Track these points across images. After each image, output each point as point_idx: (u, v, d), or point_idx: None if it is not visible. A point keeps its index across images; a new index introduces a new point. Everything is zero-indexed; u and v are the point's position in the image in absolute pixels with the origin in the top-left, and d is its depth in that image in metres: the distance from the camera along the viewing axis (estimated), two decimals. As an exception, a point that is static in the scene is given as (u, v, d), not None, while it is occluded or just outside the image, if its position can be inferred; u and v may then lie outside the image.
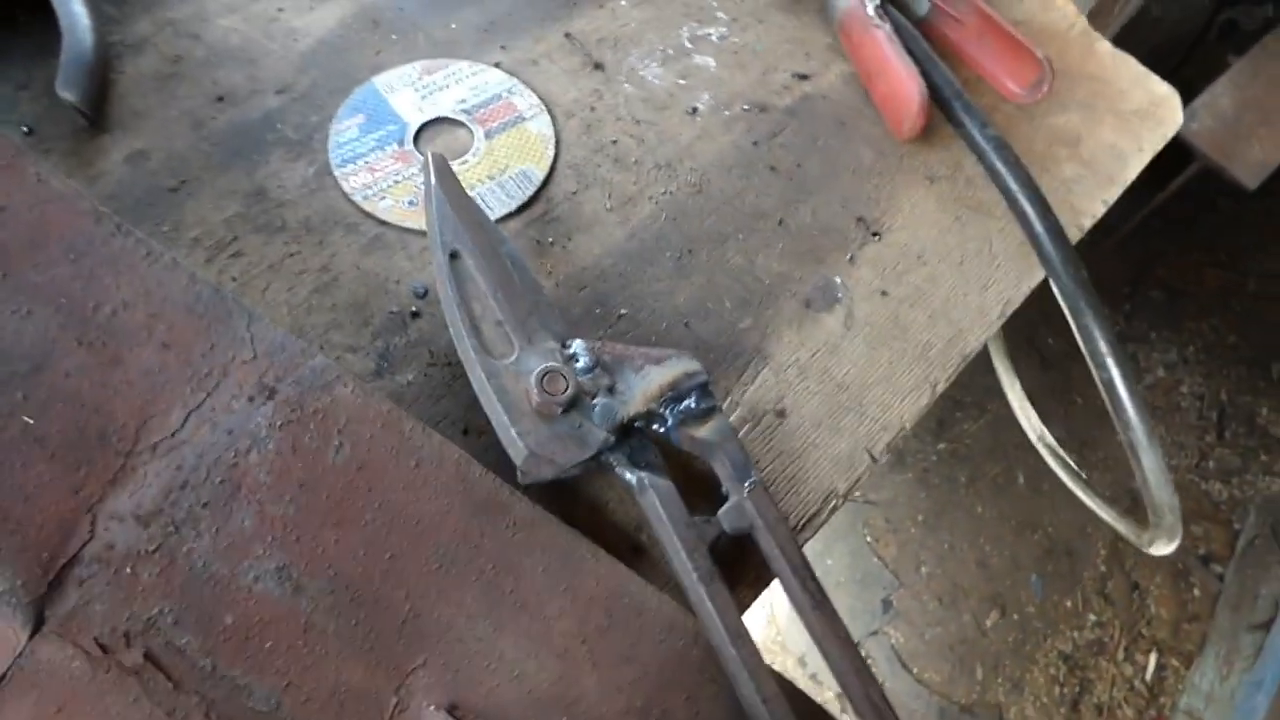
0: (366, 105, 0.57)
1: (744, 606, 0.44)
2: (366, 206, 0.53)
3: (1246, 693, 1.70)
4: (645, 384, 0.45)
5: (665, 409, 0.45)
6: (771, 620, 1.75)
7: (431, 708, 0.39)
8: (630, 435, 0.45)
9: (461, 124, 0.57)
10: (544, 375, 0.43)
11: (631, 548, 0.46)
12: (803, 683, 1.68)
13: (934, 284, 0.57)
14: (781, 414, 0.51)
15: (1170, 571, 1.85)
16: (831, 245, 0.57)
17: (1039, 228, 0.57)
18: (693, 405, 0.45)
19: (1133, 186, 0.65)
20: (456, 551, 0.41)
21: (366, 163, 0.55)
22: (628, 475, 0.44)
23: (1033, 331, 2.01)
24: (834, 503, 0.49)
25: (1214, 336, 2.09)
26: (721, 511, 0.44)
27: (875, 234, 0.58)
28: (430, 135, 0.57)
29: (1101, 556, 1.85)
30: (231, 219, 0.52)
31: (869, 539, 1.83)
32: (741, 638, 0.41)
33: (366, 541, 0.40)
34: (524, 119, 0.58)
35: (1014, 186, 0.57)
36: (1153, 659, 1.78)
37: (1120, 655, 1.78)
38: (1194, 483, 1.94)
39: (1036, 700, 1.73)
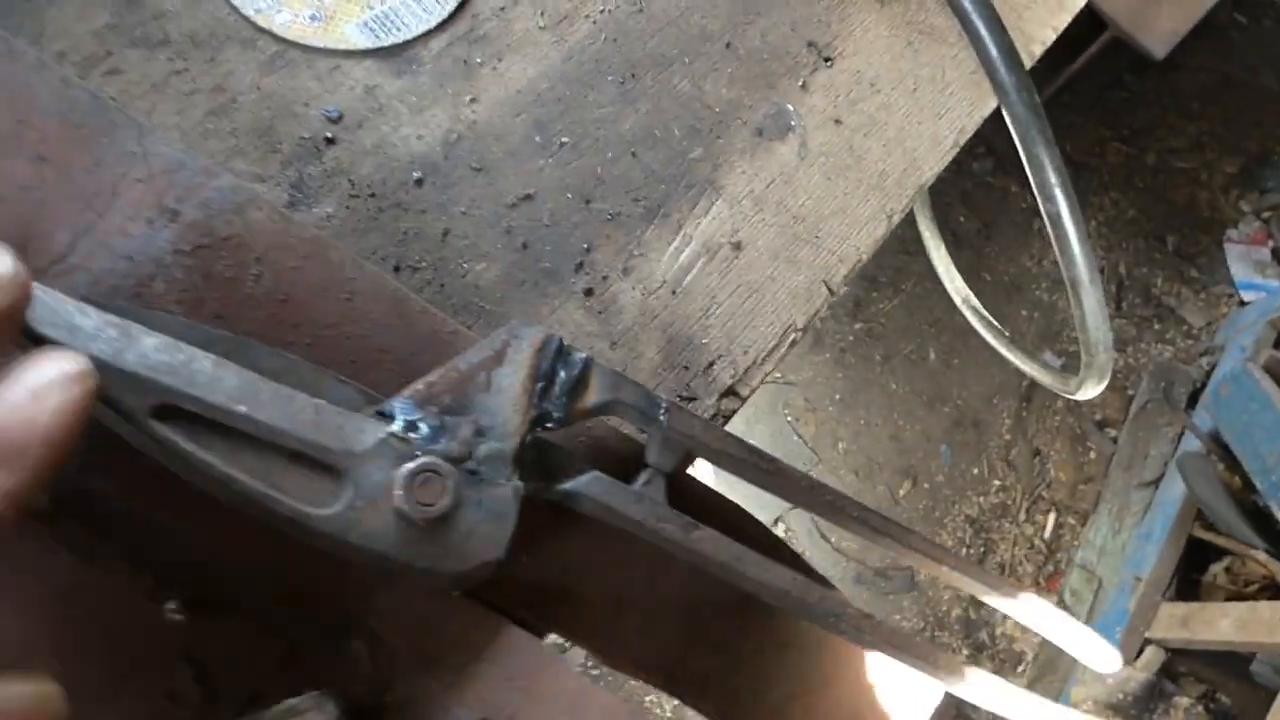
0: (257, -95, 0.49)
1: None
2: (260, 21, 0.46)
3: (1137, 544, 1.83)
4: (505, 397, 0.34)
5: (545, 404, 0.35)
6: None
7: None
8: (531, 454, 0.35)
9: (370, -70, 0.51)
10: (410, 485, 0.31)
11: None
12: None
13: (888, 112, 0.54)
14: (737, 247, 0.48)
15: (1069, 437, 1.96)
16: (782, 70, 0.54)
17: (993, 51, 0.54)
18: (565, 377, 0.36)
19: (1045, 59, 0.63)
20: (393, 389, 0.38)
21: (260, -30, 0.48)
22: (554, 499, 0.36)
23: (947, 211, 2.04)
24: (793, 336, 0.47)
25: (1115, 211, 2.16)
26: (654, 460, 0.37)
27: (827, 59, 0.55)
28: (334, -58, 0.50)
29: (1006, 426, 1.94)
30: (102, 30, 0.45)
31: (789, 418, 1.87)
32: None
33: (296, 380, 0.36)
34: (442, -75, 0.51)
35: (968, 6, 0.55)
36: (1051, 519, 1.90)
37: (1021, 516, 1.89)
38: (1092, 353, 2.03)
39: (946, 561, 1.82)
